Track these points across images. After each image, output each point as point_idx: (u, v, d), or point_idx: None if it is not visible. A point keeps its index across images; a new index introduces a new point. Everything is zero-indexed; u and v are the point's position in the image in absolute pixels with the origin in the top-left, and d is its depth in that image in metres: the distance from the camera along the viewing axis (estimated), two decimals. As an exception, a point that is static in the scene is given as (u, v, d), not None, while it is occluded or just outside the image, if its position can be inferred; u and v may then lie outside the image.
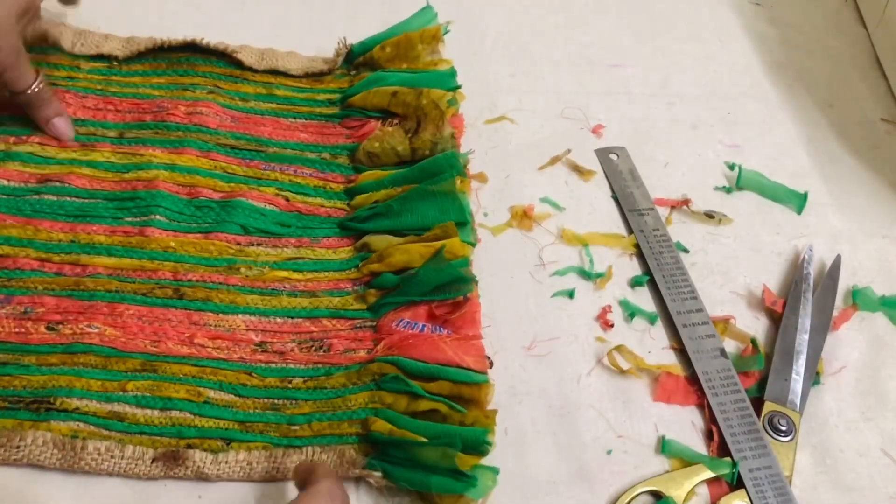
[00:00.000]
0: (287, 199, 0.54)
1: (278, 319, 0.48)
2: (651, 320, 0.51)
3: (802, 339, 0.50)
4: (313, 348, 0.47)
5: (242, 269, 0.50)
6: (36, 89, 0.52)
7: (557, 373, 0.49)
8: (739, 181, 0.59)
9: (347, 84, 0.61)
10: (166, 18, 0.64)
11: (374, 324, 0.49)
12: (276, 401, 0.45)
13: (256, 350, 0.47)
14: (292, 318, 0.49)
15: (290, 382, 0.46)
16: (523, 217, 0.55)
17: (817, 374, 0.50)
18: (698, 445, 0.47)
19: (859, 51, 0.70)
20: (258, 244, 0.51)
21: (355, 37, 0.62)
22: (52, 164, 0.53)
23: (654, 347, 0.50)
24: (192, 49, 0.60)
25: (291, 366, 0.47)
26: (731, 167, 0.60)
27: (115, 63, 0.60)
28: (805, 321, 0.51)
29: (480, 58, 0.65)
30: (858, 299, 0.53)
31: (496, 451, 0.44)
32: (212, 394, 0.45)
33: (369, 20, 0.65)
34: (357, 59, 0.61)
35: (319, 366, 0.47)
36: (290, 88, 0.60)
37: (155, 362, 0.45)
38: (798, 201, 0.58)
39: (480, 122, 0.61)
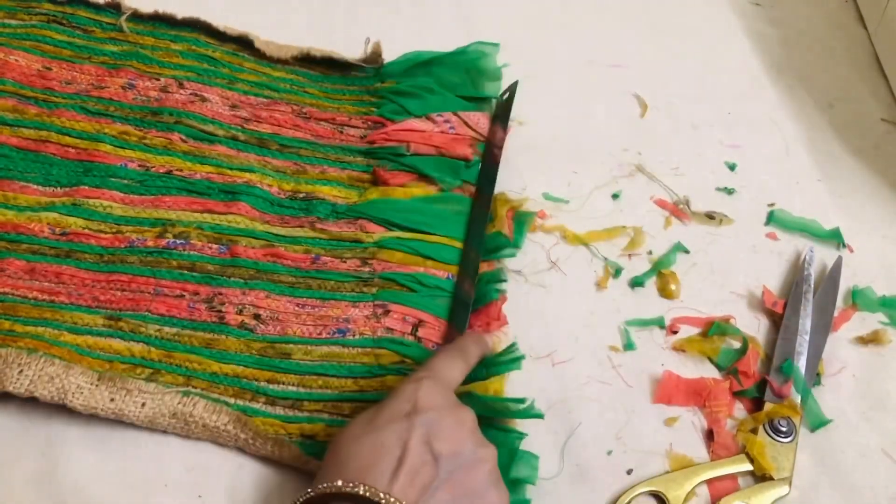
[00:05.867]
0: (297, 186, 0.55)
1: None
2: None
3: (803, 339, 0.50)
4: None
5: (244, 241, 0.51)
6: None
7: (557, 373, 0.49)
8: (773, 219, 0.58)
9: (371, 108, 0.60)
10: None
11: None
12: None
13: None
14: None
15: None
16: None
17: (818, 374, 0.50)
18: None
19: (859, 51, 0.70)
20: (266, 221, 0.53)
21: (355, 38, 0.62)
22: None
23: (656, 348, 0.51)
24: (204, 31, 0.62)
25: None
26: (732, 167, 0.60)
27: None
28: (805, 322, 0.51)
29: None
30: (858, 299, 0.53)
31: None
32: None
33: (368, 20, 0.65)
34: (386, 78, 0.61)
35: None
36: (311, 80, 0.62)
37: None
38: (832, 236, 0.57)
39: (481, 122, 0.61)
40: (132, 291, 0.49)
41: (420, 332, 0.49)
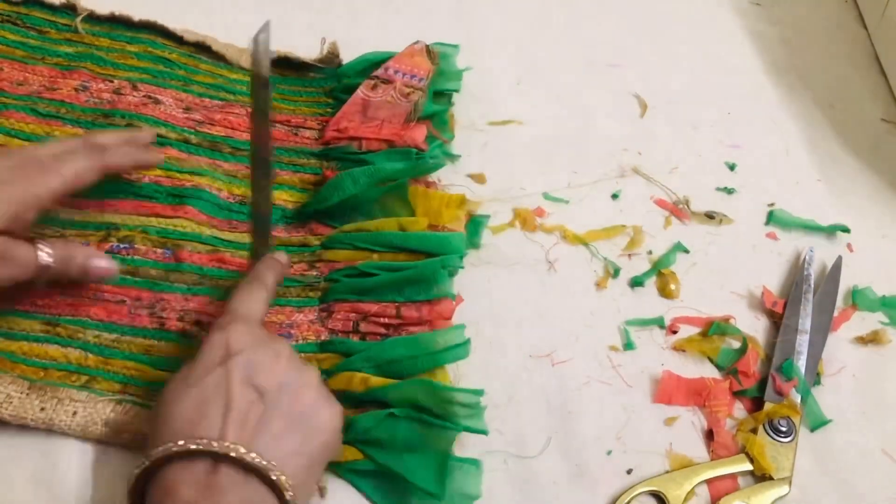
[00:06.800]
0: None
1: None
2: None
3: (803, 339, 0.50)
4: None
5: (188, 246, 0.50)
6: (48, 261, 0.43)
7: (558, 373, 0.49)
8: (772, 219, 0.58)
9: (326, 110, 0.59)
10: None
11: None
12: None
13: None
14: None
15: None
16: (527, 218, 0.55)
17: (817, 374, 0.50)
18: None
19: (859, 51, 0.70)
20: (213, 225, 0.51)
21: (353, 39, 0.62)
22: None
23: (656, 348, 0.51)
24: (160, 34, 0.61)
25: None
26: (732, 167, 0.60)
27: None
28: (805, 322, 0.51)
29: (481, 58, 0.65)
30: (858, 299, 0.53)
31: (496, 451, 0.44)
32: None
33: (368, 20, 0.65)
34: (343, 78, 0.60)
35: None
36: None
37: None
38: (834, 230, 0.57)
39: (482, 122, 0.61)
40: (72, 296, 0.47)
41: (362, 327, 0.48)
